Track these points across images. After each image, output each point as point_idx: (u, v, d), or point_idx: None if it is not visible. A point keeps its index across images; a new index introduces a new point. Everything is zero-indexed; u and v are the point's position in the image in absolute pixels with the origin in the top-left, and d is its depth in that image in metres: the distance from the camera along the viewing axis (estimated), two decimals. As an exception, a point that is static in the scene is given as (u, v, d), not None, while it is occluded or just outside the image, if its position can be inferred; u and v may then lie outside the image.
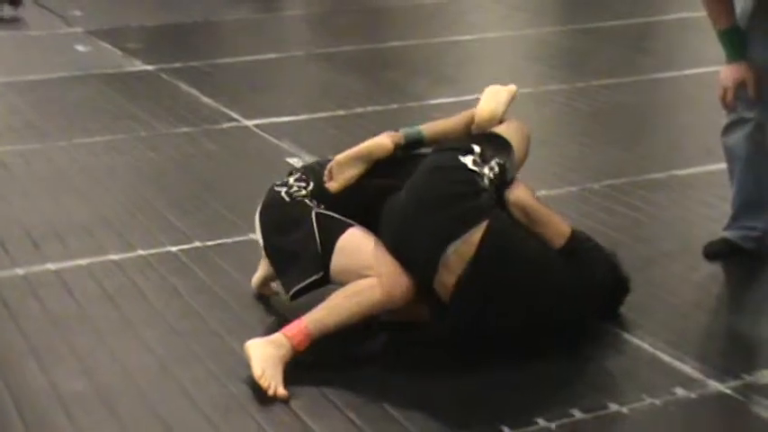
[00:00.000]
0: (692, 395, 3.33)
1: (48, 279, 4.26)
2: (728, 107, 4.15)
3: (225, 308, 3.98)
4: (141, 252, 4.48)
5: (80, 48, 8.54)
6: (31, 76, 7.71)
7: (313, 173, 3.87)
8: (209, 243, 4.56)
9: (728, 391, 3.34)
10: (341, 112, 6.46)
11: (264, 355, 3.40)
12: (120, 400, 3.37)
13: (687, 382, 3.39)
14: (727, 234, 4.31)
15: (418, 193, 3.60)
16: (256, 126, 6.29)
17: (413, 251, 3.54)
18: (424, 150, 3.85)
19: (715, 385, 3.38)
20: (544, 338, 3.63)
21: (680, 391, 3.34)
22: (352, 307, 3.50)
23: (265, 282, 4.01)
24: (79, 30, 9.06)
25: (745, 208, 4.26)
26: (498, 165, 3.64)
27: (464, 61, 8.01)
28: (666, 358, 3.54)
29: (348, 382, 3.44)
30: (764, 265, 4.27)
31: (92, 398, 3.38)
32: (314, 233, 3.63)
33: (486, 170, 3.61)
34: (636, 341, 3.67)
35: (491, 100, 3.88)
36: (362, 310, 3.51)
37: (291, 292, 3.67)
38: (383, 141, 3.79)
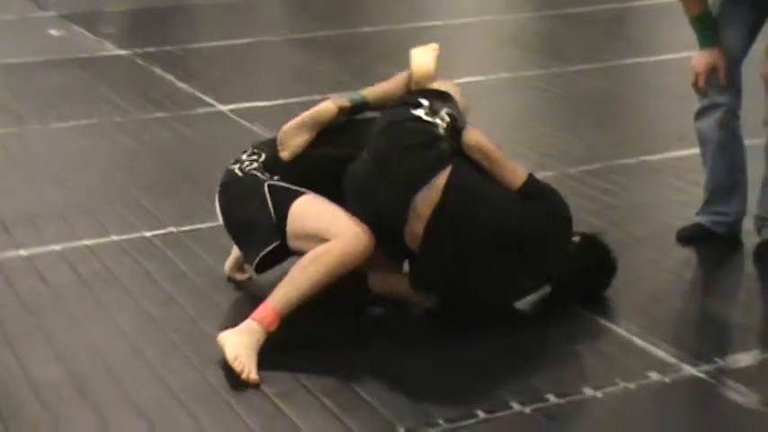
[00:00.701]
0: (666, 379, 3.34)
1: (20, 265, 4.23)
2: (701, 93, 4.16)
3: (200, 293, 3.96)
4: (115, 237, 4.46)
5: (53, 32, 8.48)
6: (4, 60, 7.65)
7: (266, 146, 3.91)
8: (184, 228, 4.54)
9: (702, 375, 3.36)
10: (316, 97, 6.41)
11: (237, 342, 3.40)
12: (95, 386, 3.36)
13: (660, 366, 3.41)
14: (700, 219, 4.33)
15: (378, 149, 3.66)
16: (231, 111, 6.26)
17: (381, 206, 3.57)
18: (369, 115, 3.90)
19: (688, 369, 3.39)
20: (517, 317, 3.64)
21: (654, 376, 3.35)
22: (312, 275, 3.47)
23: (238, 266, 4.01)
24: (52, 14, 9.00)
25: (717, 193, 4.28)
26: (448, 114, 3.75)
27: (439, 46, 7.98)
28: (640, 342, 3.56)
29: (322, 367, 3.43)
30: (736, 249, 4.29)
31: (66, 385, 3.36)
32: (267, 203, 3.65)
33: (438, 120, 3.72)
34: (609, 325, 3.68)
35: (422, 59, 3.98)
36: (323, 276, 3.48)
37: (254, 264, 3.70)
38: (326, 105, 3.86)
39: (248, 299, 3.86)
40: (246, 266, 3.97)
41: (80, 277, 4.11)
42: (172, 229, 4.54)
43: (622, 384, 3.31)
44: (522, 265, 3.61)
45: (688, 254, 4.27)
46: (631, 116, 6.24)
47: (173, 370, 3.44)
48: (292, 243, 3.63)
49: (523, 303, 3.82)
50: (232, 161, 3.90)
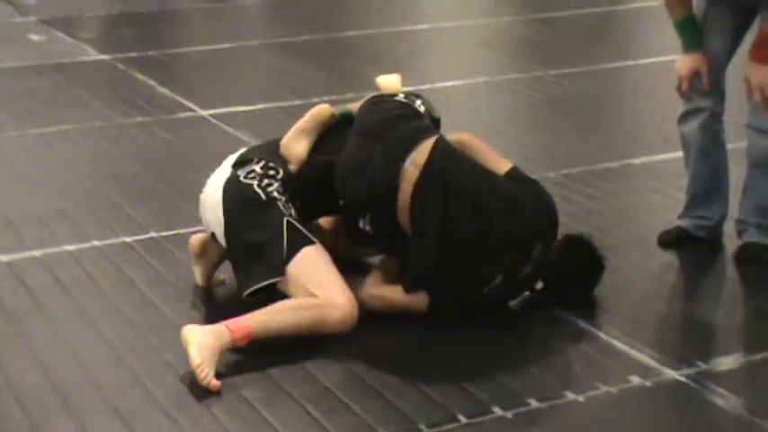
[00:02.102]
0: (648, 383, 3.35)
1: (1, 271, 4.21)
2: (684, 97, 4.18)
3: (180, 299, 3.95)
4: (96, 243, 4.44)
5: (34, 37, 8.45)
6: (-18, 65, 7.63)
7: (277, 157, 3.88)
8: (165, 234, 4.53)
9: (684, 379, 3.37)
10: (297, 102, 6.44)
11: (204, 344, 3.38)
12: (76, 392, 3.34)
13: (643, 370, 3.41)
14: (682, 223, 4.34)
15: (364, 125, 3.80)
16: (212, 116, 6.25)
17: (374, 179, 3.63)
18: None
19: (670, 373, 3.40)
20: (498, 321, 3.64)
21: (635, 380, 3.36)
22: (298, 320, 3.54)
23: (208, 276, 4.00)
24: (33, 19, 8.97)
25: (698, 197, 4.30)
26: (423, 104, 3.95)
27: (420, 50, 8.01)
28: (622, 346, 3.56)
29: (304, 373, 3.43)
30: (718, 253, 4.30)
31: (47, 391, 3.35)
32: (282, 240, 3.65)
33: (416, 105, 3.92)
34: (591, 329, 3.69)
35: (389, 81, 4.18)
36: (305, 326, 3.55)
37: (249, 291, 3.68)
38: (321, 106, 3.96)
39: (228, 304, 3.85)
40: (217, 274, 4.00)
41: (61, 283, 4.09)
42: (153, 234, 4.53)
43: (604, 388, 3.31)
44: (510, 235, 3.60)
45: (670, 258, 4.28)
46: (614, 120, 6.26)
47: (153, 375, 3.43)
48: (283, 284, 3.65)
49: (504, 307, 3.82)
50: (240, 168, 3.83)
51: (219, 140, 5.82)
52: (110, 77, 7.25)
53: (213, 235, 3.88)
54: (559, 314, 3.79)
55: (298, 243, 3.66)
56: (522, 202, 3.67)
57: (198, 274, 4.03)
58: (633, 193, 4.97)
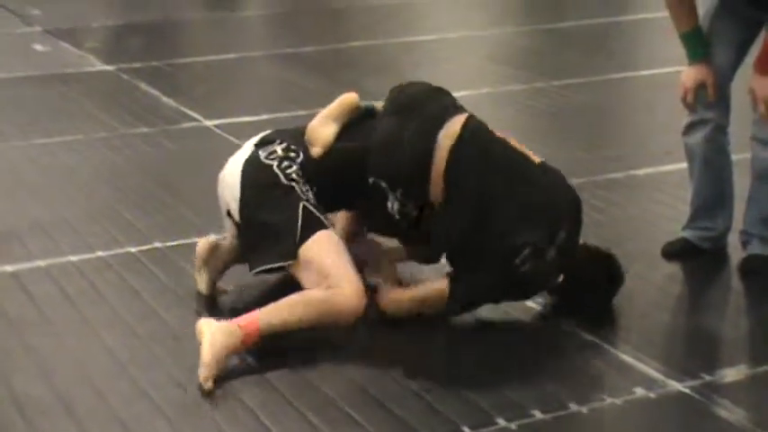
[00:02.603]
0: (652, 395, 3.34)
1: (5, 281, 4.20)
2: (689, 108, 4.17)
3: (185, 309, 3.95)
4: (100, 253, 4.44)
5: (39, 47, 8.45)
6: (-12, 75, 7.64)
7: (297, 141, 3.87)
8: (169, 244, 4.52)
9: (688, 391, 3.35)
10: (301, 113, 6.43)
11: (218, 343, 3.41)
12: (80, 403, 3.33)
13: (647, 381, 3.40)
14: (686, 234, 4.33)
15: (396, 103, 3.86)
16: (216, 126, 6.25)
17: (408, 151, 3.69)
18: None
19: (675, 385, 3.39)
20: (502, 332, 3.63)
21: (640, 391, 3.35)
22: (300, 316, 3.56)
23: (211, 284, 4.01)
24: (38, 29, 8.97)
25: (703, 208, 4.29)
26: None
27: (424, 61, 8.00)
28: (626, 358, 3.55)
29: (308, 383, 3.42)
30: (723, 265, 4.29)
31: (50, 401, 3.34)
32: (297, 223, 3.66)
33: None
34: (596, 341, 3.68)
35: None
36: (310, 321, 3.57)
37: (258, 269, 3.73)
38: (349, 94, 3.98)
39: (233, 314, 3.82)
40: (220, 284, 4.01)
41: (65, 293, 4.09)
42: (157, 244, 4.52)
43: (609, 400, 3.30)
44: (540, 205, 3.69)
45: (675, 269, 4.27)
46: (617, 131, 6.25)
47: (157, 385, 3.42)
48: (293, 267, 3.66)
49: (509, 318, 3.82)
50: (262, 147, 3.84)
51: (223, 151, 5.75)
52: (114, 88, 7.26)
53: (228, 213, 3.89)
54: (564, 325, 3.78)
55: (312, 227, 3.67)
56: (553, 185, 3.78)
57: (202, 281, 4.02)
58: (637, 204, 4.96)
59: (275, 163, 3.80)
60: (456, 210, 3.68)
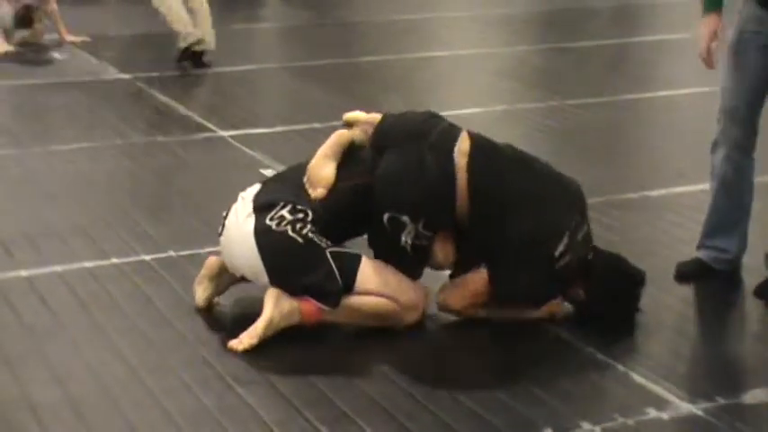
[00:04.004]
0: (664, 416, 3.32)
1: (20, 286, 4.21)
2: (706, 62, 4.12)
3: (197, 318, 3.94)
4: (115, 260, 4.44)
5: (57, 55, 8.48)
6: (7, 82, 7.65)
7: (298, 195, 3.86)
8: (183, 253, 4.52)
9: (700, 413, 3.34)
10: (316, 125, 6.44)
11: (274, 323, 3.69)
12: (93, 409, 3.33)
13: (659, 402, 3.39)
14: (700, 254, 4.31)
15: (400, 134, 3.87)
16: (231, 137, 6.26)
17: (428, 173, 3.74)
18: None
19: (687, 407, 3.37)
20: (515, 350, 3.63)
21: (652, 412, 3.33)
22: (367, 321, 3.80)
23: (210, 298, 4.02)
24: (56, 37, 8.99)
25: (718, 228, 4.27)
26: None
27: (438, 77, 8.01)
28: (639, 379, 3.54)
29: (320, 395, 3.42)
30: (736, 287, 4.27)
31: (64, 407, 3.34)
32: (333, 272, 3.73)
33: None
34: (608, 361, 3.66)
35: (361, 115, 4.15)
36: (374, 325, 3.80)
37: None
38: (340, 131, 4.00)
39: (244, 322, 3.82)
40: (218, 300, 4.03)
41: (79, 299, 4.09)
42: (171, 253, 4.53)
43: (621, 420, 3.29)
44: (562, 195, 3.86)
45: (688, 291, 4.25)
46: (631, 151, 6.24)
47: (170, 393, 3.42)
48: (355, 298, 3.77)
49: (522, 336, 3.81)
50: (269, 219, 3.77)
51: (238, 161, 5.83)
52: (131, 96, 7.28)
53: (243, 276, 3.92)
54: (577, 344, 3.77)
55: (350, 267, 3.76)
56: (559, 175, 3.95)
57: (201, 295, 4.00)
58: (650, 225, 4.94)
59: (288, 228, 3.78)
60: (485, 219, 3.76)
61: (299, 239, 3.76)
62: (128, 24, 9.79)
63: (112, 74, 7.86)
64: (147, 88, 7.41)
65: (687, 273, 4.27)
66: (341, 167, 3.91)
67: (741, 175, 4.20)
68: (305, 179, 3.89)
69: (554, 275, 3.77)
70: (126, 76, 7.75)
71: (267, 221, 3.79)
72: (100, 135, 6.25)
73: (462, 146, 3.80)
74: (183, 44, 7.96)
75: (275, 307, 3.69)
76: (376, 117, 4.02)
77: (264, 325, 3.68)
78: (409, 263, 3.84)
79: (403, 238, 3.76)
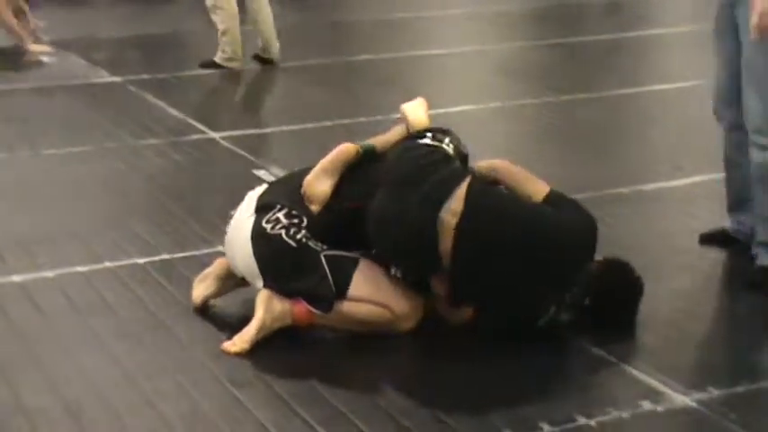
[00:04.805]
0: (659, 408, 3.36)
1: (13, 291, 4.24)
2: (763, 33, 3.98)
3: (192, 320, 3.98)
4: (108, 264, 4.48)
5: (46, 58, 8.51)
6: (-4, 86, 7.69)
7: (295, 202, 3.89)
8: (177, 255, 4.56)
9: (694, 405, 3.38)
10: (309, 125, 6.48)
11: (266, 326, 3.72)
12: (87, 413, 3.36)
13: (653, 394, 3.43)
14: (726, 223, 4.47)
15: (397, 175, 3.80)
16: (223, 138, 6.29)
17: (409, 227, 3.68)
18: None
19: (681, 399, 3.41)
20: (508, 345, 3.67)
21: (646, 404, 3.37)
22: (361, 327, 3.78)
23: (208, 298, 4.05)
24: (45, 40, 9.02)
25: (735, 202, 4.43)
26: (452, 141, 3.93)
27: (433, 75, 8.05)
28: (633, 371, 3.58)
29: (317, 395, 3.45)
30: (729, 279, 4.32)
31: (58, 412, 3.37)
32: (327, 276, 3.75)
33: (445, 144, 3.89)
34: (602, 354, 3.70)
35: (416, 112, 4.09)
36: (368, 330, 3.79)
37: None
38: (345, 146, 3.97)
39: (239, 324, 3.86)
40: (214, 302, 4.05)
41: (73, 304, 4.12)
42: (165, 255, 4.56)
43: (615, 413, 3.33)
44: (553, 265, 3.70)
45: (681, 283, 4.29)
46: (625, 146, 6.28)
47: (165, 397, 3.45)
48: (347, 304, 3.77)
49: (514, 333, 3.85)
50: (266, 221, 3.82)
51: (230, 163, 5.86)
52: (122, 99, 7.30)
53: (243, 278, 3.95)
54: (571, 339, 3.80)
55: (344, 272, 3.76)
56: (566, 228, 3.76)
57: (200, 292, 4.03)
58: (644, 219, 4.98)
59: (282, 232, 3.81)
60: (470, 284, 3.72)
61: (293, 243, 3.79)
62: (118, 26, 9.82)
63: (103, 76, 7.89)
64: (137, 90, 7.44)
65: (708, 238, 4.47)
66: (343, 183, 3.90)
67: (740, 150, 4.27)
68: (302, 191, 3.91)
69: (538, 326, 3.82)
70: (117, 79, 7.78)
71: (264, 223, 3.84)
72: (91, 138, 6.28)
73: (455, 206, 3.67)
74: (218, 60, 7.98)
75: (266, 309, 3.73)
76: (422, 121, 4.01)
77: (256, 328, 3.71)
78: (409, 286, 3.85)
79: (392, 270, 3.81)
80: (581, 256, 3.78)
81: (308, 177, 3.90)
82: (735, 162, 4.34)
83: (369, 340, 3.78)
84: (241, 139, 6.27)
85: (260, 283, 3.82)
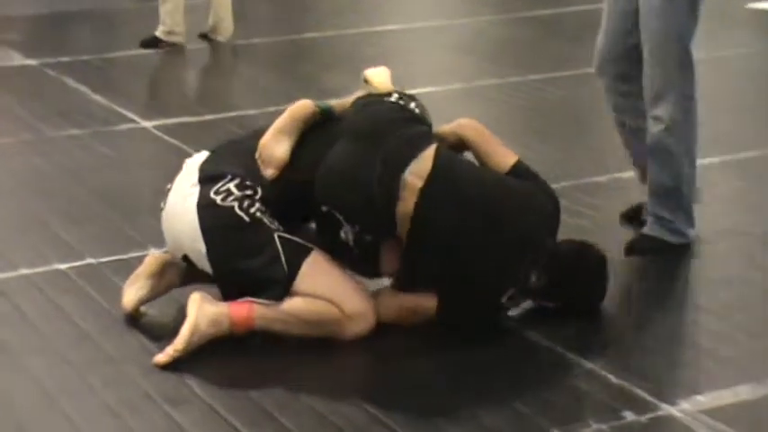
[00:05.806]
0: (642, 419, 3.38)
1: None
2: None
3: (121, 332, 3.96)
4: (25, 271, 4.44)
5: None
6: None
7: (249, 171, 3.88)
8: (104, 259, 4.54)
9: (679, 415, 3.41)
10: (251, 111, 6.48)
11: (199, 330, 3.69)
12: (3, 438, 3.35)
13: (637, 405, 3.45)
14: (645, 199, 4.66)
15: (359, 128, 3.85)
16: (155, 127, 6.27)
17: (369, 189, 3.71)
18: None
19: (666, 408, 3.44)
20: (483, 351, 3.68)
21: (629, 415, 3.39)
22: (306, 329, 3.78)
23: (142, 302, 4.03)
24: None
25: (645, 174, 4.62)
26: (417, 107, 3.98)
27: (388, 54, 8.05)
28: (614, 379, 3.60)
29: (263, 412, 3.45)
30: (715, 278, 4.36)
31: (-31, 437, 3.35)
32: (280, 258, 3.75)
33: (411, 106, 3.95)
34: (581, 361, 3.72)
35: (380, 77, 4.12)
36: (314, 334, 3.78)
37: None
38: (301, 102, 3.98)
39: (175, 336, 3.84)
40: (145, 308, 4.04)
41: (-15, 316, 4.10)
42: (90, 260, 4.54)
43: (595, 425, 3.34)
44: (523, 239, 3.79)
45: (662, 281, 4.33)
46: (601, 130, 6.30)
47: (91, 419, 3.43)
48: (291, 300, 3.77)
49: (485, 338, 3.86)
50: (215, 192, 3.81)
51: (163, 155, 5.84)
52: (39, 85, 7.26)
53: (185, 257, 3.92)
54: (546, 344, 3.82)
55: (297, 257, 3.76)
56: (531, 201, 3.87)
57: (132, 296, 4.00)
58: (619, 208, 5.00)
59: (235, 205, 3.81)
60: (427, 252, 3.77)
61: (246, 218, 3.78)
62: (33, 3, 9.75)
63: (17, 59, 7.84)
64: (57, 75, 7.39)
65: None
66: (303, 140, 3.91)
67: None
68: (257, 154, 3.90)
69: (501, 307, 3.91)
70: (32, 62, 7.74)
71: (212, 194, 3.83)
72: (5, 130, 6.25)
73: (422, 167, 3.75)
74: (159, 35, 7.95)
75: (199, 310, 3.71)
76: (387, 86, 4.04)
77: (189, 331, 3.68)
78: (355, 259, 3.88)
79: (342, 234, 3.82)
80: (544, 232, 3.87)
81: (264, 138, 3.90)
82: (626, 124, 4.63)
83: (317, 351, 3.77)
84: (175, 127, 6.25)
85: (206, 263, 3.83)
